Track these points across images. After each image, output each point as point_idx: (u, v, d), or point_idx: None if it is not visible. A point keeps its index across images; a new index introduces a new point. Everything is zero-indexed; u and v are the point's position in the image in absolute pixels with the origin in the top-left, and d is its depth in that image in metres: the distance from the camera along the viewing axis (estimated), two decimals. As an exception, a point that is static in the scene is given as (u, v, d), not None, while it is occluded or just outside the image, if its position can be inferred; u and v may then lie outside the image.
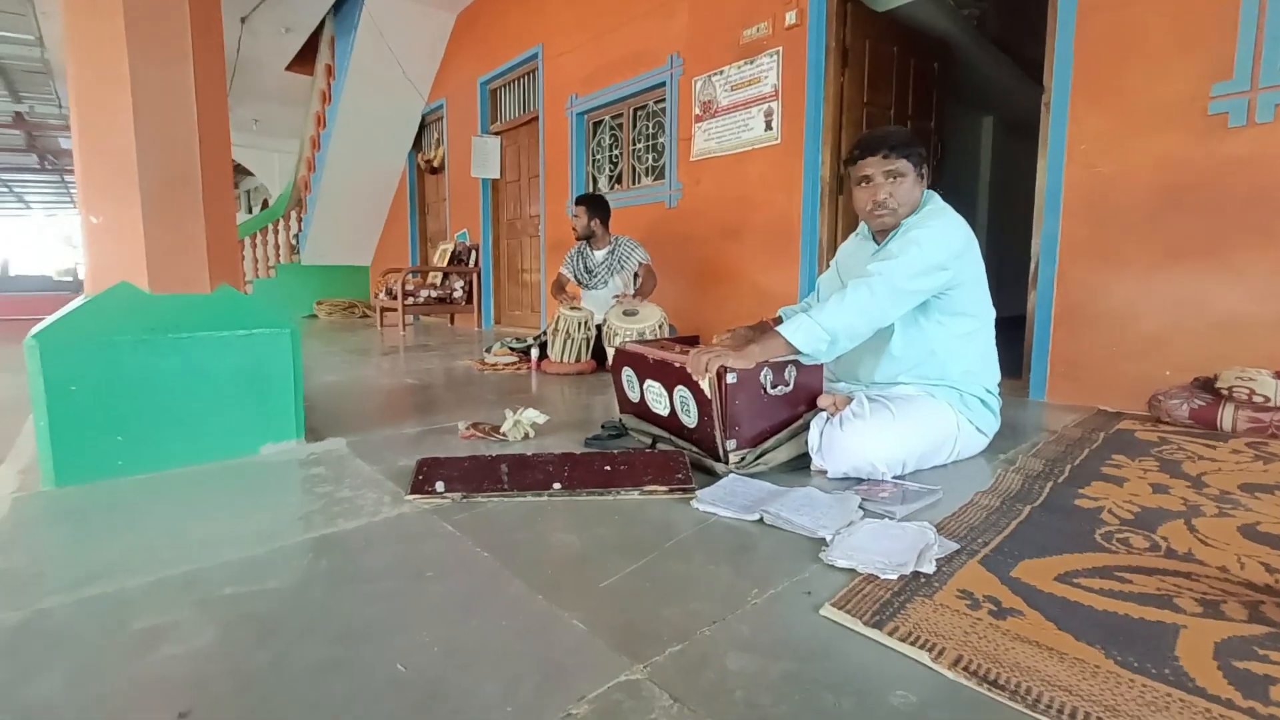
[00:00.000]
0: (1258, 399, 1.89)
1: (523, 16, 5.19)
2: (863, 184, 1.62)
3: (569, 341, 3.22)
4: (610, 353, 3.17)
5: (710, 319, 3.78)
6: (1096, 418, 2.16)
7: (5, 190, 15.76)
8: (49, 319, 1.53)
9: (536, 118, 5.24)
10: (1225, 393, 1.97)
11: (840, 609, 0.90)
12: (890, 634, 0.84)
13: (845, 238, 3.37)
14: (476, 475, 1.42)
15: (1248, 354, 2.01)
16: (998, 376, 1.72)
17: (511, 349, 3.59)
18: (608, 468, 1.46)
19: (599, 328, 3.30)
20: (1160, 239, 2.18)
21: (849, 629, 0.86)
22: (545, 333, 3.49)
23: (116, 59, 1.52)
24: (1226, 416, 1.94)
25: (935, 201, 1.62)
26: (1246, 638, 0.83)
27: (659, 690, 0.73)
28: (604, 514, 1.28)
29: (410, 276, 6.05)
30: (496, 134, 5.88)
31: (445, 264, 6.09)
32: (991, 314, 1.68)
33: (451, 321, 6.47)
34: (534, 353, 3.38)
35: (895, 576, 0.99)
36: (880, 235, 1.69)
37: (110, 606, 0.93)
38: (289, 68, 7.31)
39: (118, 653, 0.82)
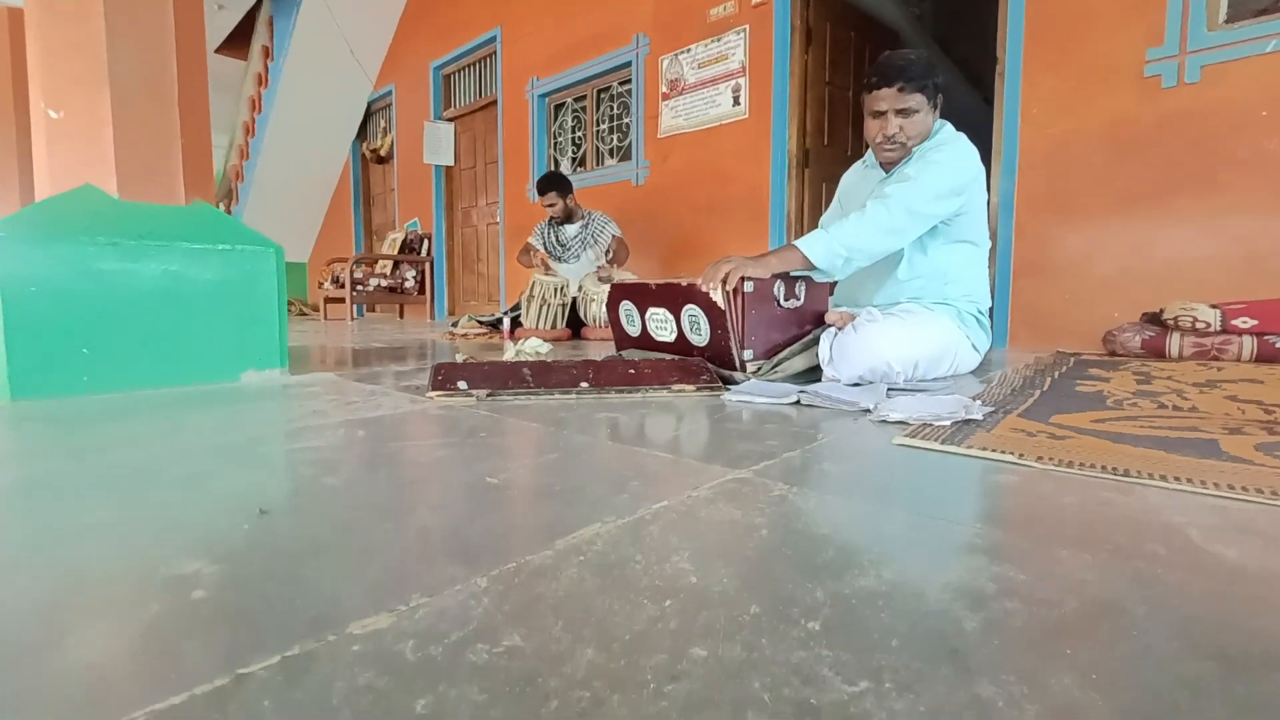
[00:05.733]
0: (1200, 325, 2.09)
1: (481, -1, 5.14)
2: (875, 116, 1.61)
3: (545, 307, 3.16)
4: (592, 314, 3.14)
5: (680, 293, 3.81)
6: (1060, 356, 2.31)
7: None
8: (6, 216, 1.36)
9: (494, 102, 5.18)
10: (1171, 323, 2.16)
11: (912, 438, 0.92)
12: (967, 449, 0.86)
13: (812, 208, 3.51)
14: (499, 376, 1.36)
15: (1189, 290, 2.22)
16: (989, 300, 1.82)
17: (480, 323, 3.49)
18: (632, 371, 1.44)
19: (574, 298, 3.26)
20: (1111, 191, 2.38)
21: (926, 449, 0.88)
22: (516, 306, 3.41)
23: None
24: (1173, 344, 2.13)
25: (948, 129, 1.66)
26: (1275, 441, 0.90)
27: (771, 480, 0.72)
28: (640, 404, 1.26)
29: (357, 266, 5.79)
30: (450, 120, 5.76)
31: (396, 253, 5.87)
32: (988, 243, 1.77)
33: (401, 314, 6.23)
34: (505, 322, 3.30)
35: (949, 422, 1.02)
36: (887, 166, 1.74)
37: (131, 468, 0.82)
38: (220, 50, 6.92)
39: (164, 490, 0.72)
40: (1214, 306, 2.11)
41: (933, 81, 1.57)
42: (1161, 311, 2.22)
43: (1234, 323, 2.05)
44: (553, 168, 4.81)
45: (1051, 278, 2.53)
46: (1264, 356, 1.97)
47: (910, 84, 1.54)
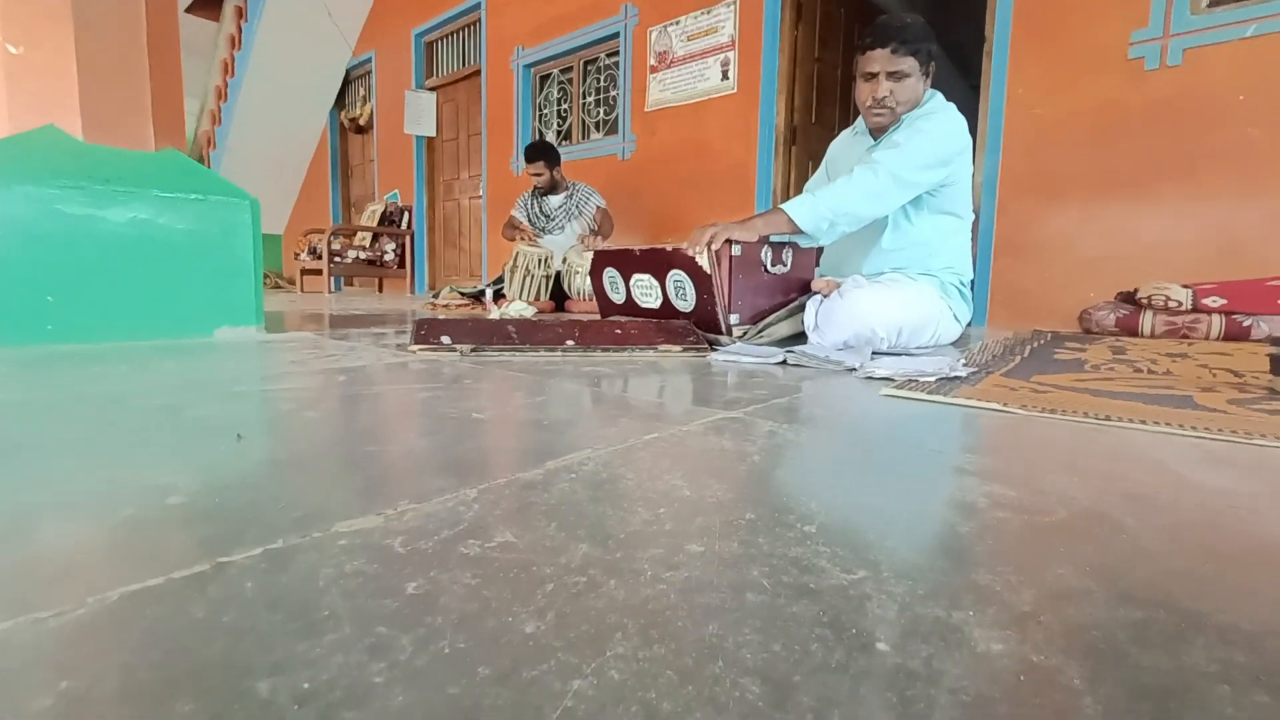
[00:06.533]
0: (1172, 304, 2.14)
1: (464, -35, 5.00)
2: (867, 78, 1.61)
3: (529, 278, 3.12)
4: (576, 286, 3.12)
5: (665, 269, 3.79)
6: (1037, 333, 2.35)
7: None
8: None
9: (478, 72, 5.06)
10: (1144, 302, 2.21)
11: (898, 390, 0.92)
12: (952, 399, 0.87)
13: (798, 185, 3.50)
14: (484, 332, 1.34)
15: (1165, 273, 2.26)
16: (971, 273, 1.83)
17: (462, 294, 3.44)
18: (618, 331, 1.42)
19: (558, 271, 3.23)
20: (1092, 173, 2.41)
21: (913, 399, 0.88)
22: (499, 279, 3.37)
23: None
24: (1146, 322, 2.18)
25: (938, 99, 1.66)
26: (1246, 398, 0.92)
27: (761, 420, 0.71)
28: (627, 361, 1.25)
29: (335, 237, 5.65)
30: (432, 89, 5.62)
31: (375, 225, 5.74)
32: (971, 216, 1.78)
33: (380, 288, 6.11)
34: (488, 294, 3.25)
35: (934, 378, 1.03)
36: (876, 133, 1.73)
37: (101, 398, 0.79)
38: (190, 10, 6.63)
39: (136, 416, 0.70)
40: (1186, 286, 2.16)
41: (926, 48, 1.56)
42: (1135, 291, 2.26)
43: (1204, 302, 2.10)
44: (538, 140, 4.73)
45: (1031, 257, 2.56)
46: (1231, 335, 2.02)
47: (904, 46, 1.53)
